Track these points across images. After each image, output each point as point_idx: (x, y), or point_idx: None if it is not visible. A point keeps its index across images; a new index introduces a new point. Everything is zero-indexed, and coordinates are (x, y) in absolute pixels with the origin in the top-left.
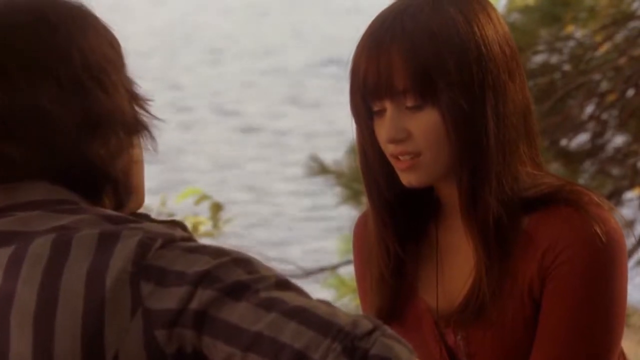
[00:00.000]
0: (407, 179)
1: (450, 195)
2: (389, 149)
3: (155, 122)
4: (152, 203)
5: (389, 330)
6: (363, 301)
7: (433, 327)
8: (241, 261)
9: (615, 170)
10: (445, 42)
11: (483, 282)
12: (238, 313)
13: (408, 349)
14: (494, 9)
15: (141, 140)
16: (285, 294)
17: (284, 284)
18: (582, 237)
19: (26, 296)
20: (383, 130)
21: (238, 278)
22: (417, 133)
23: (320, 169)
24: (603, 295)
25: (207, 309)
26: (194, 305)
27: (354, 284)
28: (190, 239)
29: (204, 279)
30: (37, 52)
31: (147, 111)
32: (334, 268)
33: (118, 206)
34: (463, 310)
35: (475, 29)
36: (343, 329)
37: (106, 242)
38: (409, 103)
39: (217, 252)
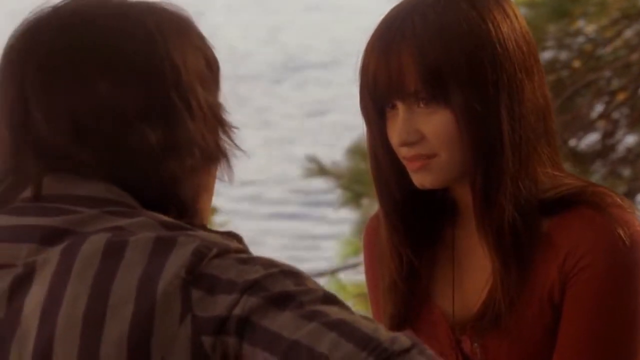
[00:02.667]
0: (420, 180)
1: (466, 197)
2: (401, 152)
3: (237, 152)
4: None
5: (428, 349)
6: (375, 306)
7: (449, 333)
8: (290, 273)
9: (627, 172)
10: (457, 40)
11: (498, 290)
12: (280, 322)
13: None
14: (510, 3)
15: (217, 169)
16: (330, 308)
17: (330, 299)
18: (604, 240)
19: (77, 297)
20: (395, 132)
21: (285, 288)
22: (430, 134)
23: (318, 170)
24: (627, 300)
25: (250, 315)
26: (238, 311)
27: (355, 289)
28: (244, 251)
29: (251, 287)
30: (126, 58)
31: (231, 139)
32: (333, 272)
33: None
34: (479, 319)
35: (490, 25)
36: (381, 345)
37: (162, 247)
38: (421, 104)
39: (268, 263)
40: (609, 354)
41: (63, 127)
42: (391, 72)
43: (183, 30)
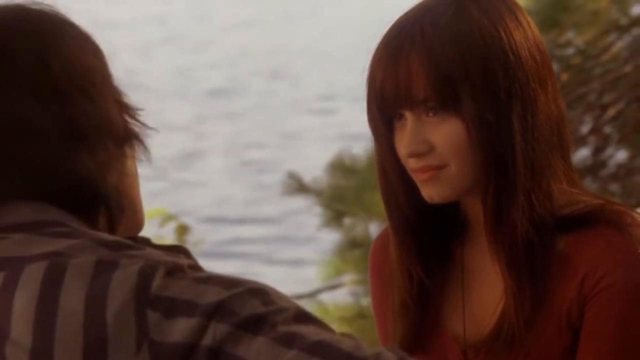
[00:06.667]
0: (429, 193)
1: (477, 212)
2: (409, 164)
3: (147, 131)
4: None
5: None
6: (381, 329)
7: (460, 357)
8: (256, 291)
9: (618, 188)
10: (469, 47)
11: (512, 310)
12: (255, 349)
13: None
14: (523, 12)
15: (134, 151)
16: (306, 328)
17: (303, 316)
18: (625, 260)
19: (20, 332)
20: (403, 143)
21: (254, 310)
22: (439, 144)
23: (298, 187)
24: None
25: (221, 345)
26: (208, 341)
27: (337, 312)
28: (196, 266)
29: (217, 311)
30: (6, 59)
31: (138, 121)
32: (313, 294)
33: (113, 224)
34: (493, 340)
35: (502, 33)
36: None
37: (103, 271)
38: (430, 113)
39: (230, 283)
40: None
41: None
42: (399, 80)
43: (59, 25)
